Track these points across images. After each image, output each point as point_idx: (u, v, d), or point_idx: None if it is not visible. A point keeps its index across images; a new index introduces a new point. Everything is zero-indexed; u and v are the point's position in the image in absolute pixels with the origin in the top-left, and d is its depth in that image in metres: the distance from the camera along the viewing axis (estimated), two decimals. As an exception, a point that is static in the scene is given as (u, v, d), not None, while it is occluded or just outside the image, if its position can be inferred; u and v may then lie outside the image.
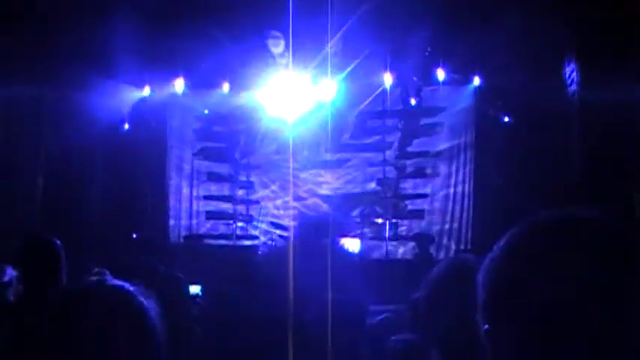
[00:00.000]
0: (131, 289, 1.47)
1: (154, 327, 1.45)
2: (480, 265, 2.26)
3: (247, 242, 14.10)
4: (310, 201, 14.52)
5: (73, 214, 12.08)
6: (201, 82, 14.02)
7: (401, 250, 13.96)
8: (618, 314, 1.20)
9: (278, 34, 12.55)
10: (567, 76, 12.33)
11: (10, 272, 7.11)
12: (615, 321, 1.20)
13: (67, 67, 11.88)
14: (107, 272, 1.50)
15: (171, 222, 14.67)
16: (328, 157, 14.76)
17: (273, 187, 14.76)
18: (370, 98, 14.22)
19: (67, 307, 1.41)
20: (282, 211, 14.51)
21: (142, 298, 1.46)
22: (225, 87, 14.03)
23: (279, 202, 14.66)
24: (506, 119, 13.28)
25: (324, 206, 14.44)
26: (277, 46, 12.90)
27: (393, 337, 3.68)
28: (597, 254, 1.23)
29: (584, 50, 11.51)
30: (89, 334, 1.37)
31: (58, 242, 4.25)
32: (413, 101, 14.04)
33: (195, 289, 9.56)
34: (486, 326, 1.32)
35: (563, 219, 1.30)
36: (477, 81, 13.43)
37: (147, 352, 1.42)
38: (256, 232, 14.32)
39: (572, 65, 12.21)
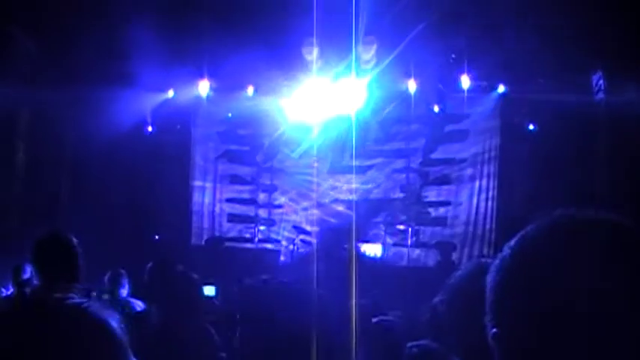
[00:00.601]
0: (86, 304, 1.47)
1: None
2: None
3: (269, 246, 14.09)
4: (333, 206, 14.50)
5: (96, 214, 12.12)
6: (226, 85, 14.02)
7: (423, 257, 13.89)
8: (634, 318, 1.17)
9: (313, 40, 12.47)
10: (594, 83, 12.22)
11: (31, 270, 7.15)
12: (630, 325, 1.17)
13: (92, 68, 11.95)
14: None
15: (194, 224, 14.70)
16: (352, 162, 14.72)
17: (296, 192, 14.75)
18: (394, 104, 14.21)
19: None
20: (304, 216, 14.50)
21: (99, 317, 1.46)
22: (250, 90, 14.02)
23: (301, 206, 14.65)
24: (531, 127, 13.18)
25: (347, 212, 14.41)
26: (311, 54, 12.83)
27: (410, 344, 3.63)
28: (611, 255, 1.20)
29: (611, 58, 11.40)
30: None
31: (75, 240, 4.24)
32: (437, 108, 13.98)
33: (210, 290, 9.57)
34: (495, 329, 1.28)
35: (576, 220, 1.27)
36: (501, 88, 13.34)
37: None
38: (278, 236, 14.32)
39: (599, 73, 12.11)
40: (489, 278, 1.33)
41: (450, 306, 2.33)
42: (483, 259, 2.28)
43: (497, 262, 1.33)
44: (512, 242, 1.31)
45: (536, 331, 1.20)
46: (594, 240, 1.22)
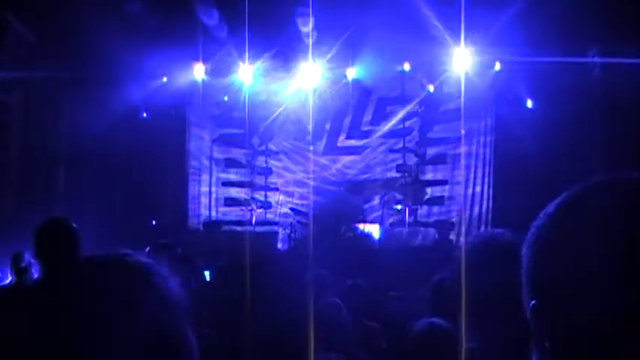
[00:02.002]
0: (153, 264, 1.40)
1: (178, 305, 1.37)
2: (509, 240, 2.18)
3: (267, 228, 14.08)
4: (329, 187, 14.50)
5: (93, 200, 12.11)
6: (220, 69, 13.94)
7: (421, 236, 13.90)
8: None
9: (308, 10, 12.21)
10: (590, 60, 12.19)
11: (28, 258, 7.14)
12: None
13: (86, 53, 11.89)
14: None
15: (191, 208, 14.70)
16: (348, 143, 14.73)
17: (292, 174, 14.75)
18: (389, 84, 14.21)
19: (87, 281, 1.34)
20: (300, 198, 14.50)
21: (165, 274, 1.39)
22: (243, 72, 13.87)
23: (297, 188, 14.65)
24: (529, 103, 13.14)
25: (344, 193, 14.41)
26: (306, 25, 12.63)
27: (417, 321, 3.63)
28: None
29: (607, 34, 11.36)
30: (108, 311, 1.30)
31: (75, 226, 4.24)
32: (432, 88, 13.94)
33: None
34: (533, 302, 1.22)
35: (616, 181, 1.20)
36: (497, 66, 13.27)
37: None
38: (275, 219, 14.32)
39: (595, 49, 12.07)
40: (524, 248, 1.27)
41: (454, 283, 2.31)
42: (485, 232, 2.27)
43: (532, 230, 1.26)
44: (550, 208, 1.25)
45: (584, 303, 1.14)
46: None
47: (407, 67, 13.77)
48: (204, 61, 13.66)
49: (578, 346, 1.16)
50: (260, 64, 13.53)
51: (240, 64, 13.41)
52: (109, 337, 1.26)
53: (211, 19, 12.31)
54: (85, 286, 1.31)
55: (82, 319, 1.26)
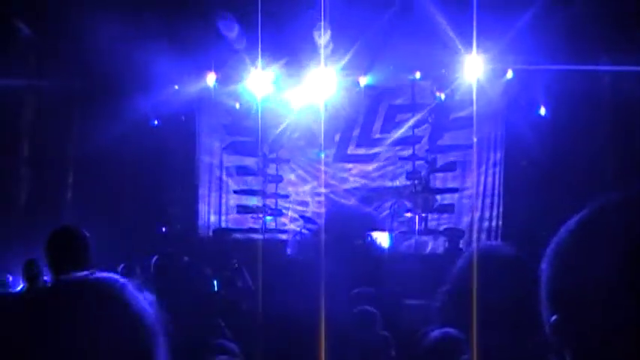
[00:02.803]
0: (121, 281, 1.42)
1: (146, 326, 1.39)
2: (507, 252, 2.18)
3: (277, 236, 14.08)
4: (340, 195, 14.51)
5: (102, 207, 12.14)
6: (232, 76, 13.92)
7: (431, 244, 13.88)
8: None
9: (325, 24, 12.25)
10: (602, 69, 12.15)
11: (39, 264, 7.16)
12: None
13: (97, 61, 11.93)
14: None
15: (201, 216, 14.71)
16: (358, 151, 14.73)
17: (302, 182, 14.76)
18: (400, 92, 14.23)
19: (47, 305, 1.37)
20: (311, 205, 14.50)
21: (134, 293, 1.41)
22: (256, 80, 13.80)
23: (308, 196, 14.65)
24: (543, 111, 13.10)
25: (354, 201, 14.41)
26: (322, 37, 12.64)
27: (427, 330, 3.63)
28: None
29: (618, 44, 11.33)
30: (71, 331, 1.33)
31: (87, 234, 4.25)
32: (442, 96, 13.92)
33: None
34: (554, 317, 1.23)
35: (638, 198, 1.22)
36: (509, 74, 13.22)
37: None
38: (286, 227, 14.31)
39: (607, 59, 12.04)
40: (545, 264, 1.28)
41: (451, 296, 2.31)
42: (484, 245, 2.27)
43: (552, 246, 1.28)
44: (571, 225, 1.26)
45: (606, 318, 1.15)
46: None
47: (418, 75, 13.79)
48: (216, 69, 13.68)
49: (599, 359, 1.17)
50: (272, 72, 13.52)
51: (253, 70, 13.40)
52: (77, 353, 1.29)
53: (231, 32, 12.37)
54: (57, 303, 1.34)
55: (51, 334, 1.29)
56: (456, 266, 2.46)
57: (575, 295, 1.20)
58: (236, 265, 9.13)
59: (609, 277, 1.15)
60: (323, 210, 13.85)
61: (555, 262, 1.25)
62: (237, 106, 14.40)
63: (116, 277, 1.42)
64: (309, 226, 13.59)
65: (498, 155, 14.02)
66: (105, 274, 1.43)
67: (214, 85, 13.91)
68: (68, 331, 1.31)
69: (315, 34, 12.55)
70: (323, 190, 14.32)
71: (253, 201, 14.72)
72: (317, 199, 14.42)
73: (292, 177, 14.80)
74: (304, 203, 14.60)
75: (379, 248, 12.84)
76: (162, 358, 1.39)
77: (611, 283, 1.15)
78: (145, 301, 1.40)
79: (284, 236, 14.01)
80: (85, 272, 1.44)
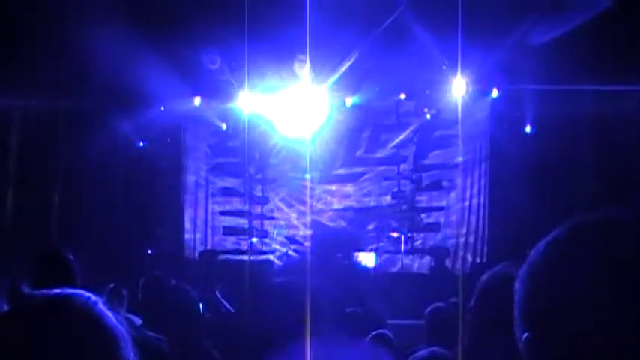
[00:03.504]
0: (93, 298, 1.43)
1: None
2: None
3: (263, 257, 14.05)
4: (325, 216, 14.51)
5: (88, 229, 12.09)
6: (217, 97, 13.93)
7: (417, 264, 13.89)
8: None
9: (304, 57, 12.42)
10: (585, 87, 12.25)
11: (25, 287, 7.12)
12: None
13: (83, 81, 11.94)
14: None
15: (187, 237, 14.66)
16: (343, 171, 14.75)
17: (288, 203, 14.75)
18: (385, 112, 14.28)
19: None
20: (297, 226, 14.50)
21: (104, 310, 1.42)
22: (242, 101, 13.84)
23: (294, 216, 14.65)
24: (528, 129, 13.16)
25: (339, 221, 14.42)
26: (302, 69, 12.81)
27: (415, 351, 3.64)
28: None
29: (602, 61, 11.43)
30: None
31: (72, 257, 4.24)
32: (428, 115, 13.97)
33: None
34: (526, 334, 1.27)
35: (606, 220, 1.26)
36: (495, 93, 13.28)
37: None
38: (272, 247, 14.29)
39: (590, 77, 12.15)
40: (518, 284, 1.32)
41: (478, 310, 2.33)
42: (507, 263, 2.28)
43: (525, 267, 1.32)
44: (541, 246, 1.30)
45: (576, 335, 1.19)
46: (624, 241, 1.22)
47: (402, 96, 13.86)
48: (202, 91, 13.70)
49: None
50: (258, 93, 13.54)
51: (239, 92, 13.43)
52: None
53: (214, 64, 12.52)
54: (28, 320, 1.35)
55: (22, 353, 1.30)
56: (479, 283, 2.49)
57: (545, 314, 1.24)
58: (217, 293, 9.20)
59: (578, 296, 1.19)
60: (309, 232, 13.83)
61: (527, 281, 1.29)
62: (224, 126, 14.42)
63: (87, 294, 1.43)
64: (296, 247, 13.58)
65: (483, 173, 14.06)
66: (75, 291, 1.43)
67: (200, 106, 13.92)
68: (37, 350, 1.31)
69: (295, 65, 12.69)
70: (308, 211, 14.32)
71: (239, 222, 14.71)
72: (303, 220, 14.42)
73: (277, 199, 14.80)
74: (290, 225, 14.59)
75: (365, 268, 12.84)
76: None
77: (580, 302, 1.19)
78: (114, 318, 1.41)
79: (270, 257, 13.98)
80: (56, 290, 1.44)
